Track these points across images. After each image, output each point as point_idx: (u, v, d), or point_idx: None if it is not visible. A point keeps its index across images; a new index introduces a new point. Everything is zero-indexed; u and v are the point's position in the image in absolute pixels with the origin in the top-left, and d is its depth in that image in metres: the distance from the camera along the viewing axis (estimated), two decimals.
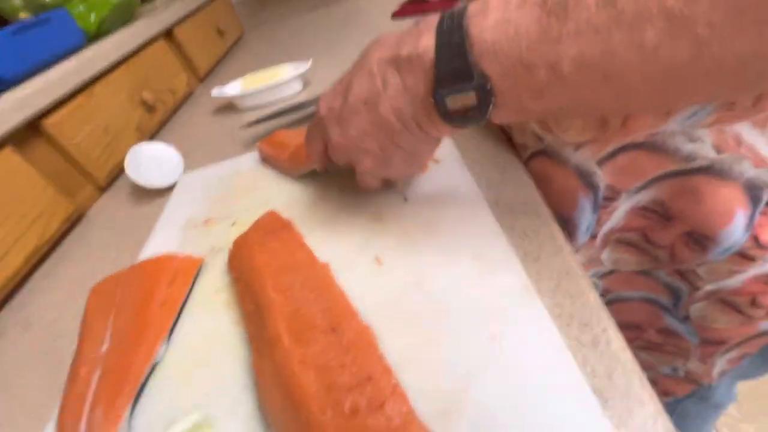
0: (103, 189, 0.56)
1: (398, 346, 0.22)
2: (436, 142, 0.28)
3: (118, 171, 0.57)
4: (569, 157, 0.34)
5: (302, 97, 0.62)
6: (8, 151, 0.43)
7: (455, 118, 0.23)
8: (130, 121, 0.62)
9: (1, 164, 0.42)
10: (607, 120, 0.30)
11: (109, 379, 0.25)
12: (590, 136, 0.31)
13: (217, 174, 0.48)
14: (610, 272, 0.39)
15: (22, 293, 0.42)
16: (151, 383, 0.26)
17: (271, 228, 0.31)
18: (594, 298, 0.24)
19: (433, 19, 0.23)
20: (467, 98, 0.22)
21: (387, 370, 0.20)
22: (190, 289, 0.32)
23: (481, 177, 0.34)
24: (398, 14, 0.84)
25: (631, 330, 0.42)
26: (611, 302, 0.41)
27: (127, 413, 0.24)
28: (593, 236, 0.37)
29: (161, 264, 0.32)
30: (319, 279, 0.26)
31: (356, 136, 0.27)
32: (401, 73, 0.24)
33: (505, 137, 0.39)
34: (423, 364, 0.22)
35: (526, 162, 0.37)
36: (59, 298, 0.39)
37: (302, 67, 0.64)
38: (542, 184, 0.33)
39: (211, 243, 0.36)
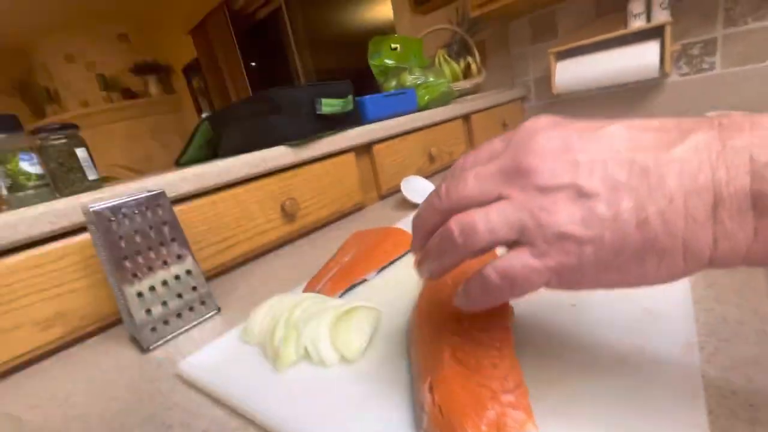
0: (381, 197, 0.81)
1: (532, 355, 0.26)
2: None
3: (394, 190, 0.81)
4: None
5: None
6: (351, 155, 0.72)
7: None
8: (416, 162, 0.87)
9: (346, 160, 0.71)
10: None
11: (341, 273, 0.40)
12: None
13: None
14: None
15: (324, 230, 0.67)
16: (361, 286, 0.39)
17: None
18: None
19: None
20: None
21: (508, 332, 0.24)
22: (403, 256, 0.44)
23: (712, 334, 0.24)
24: None
25: None
26: None
27: (341, 292, 0.37)
28: None
29: (398, 232, 0.47)
30: None
31: None
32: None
33: None
34: (542, 350, 0.24)
35: None
36: (342, 235, 0.60)
37: None
38: None
39: None
